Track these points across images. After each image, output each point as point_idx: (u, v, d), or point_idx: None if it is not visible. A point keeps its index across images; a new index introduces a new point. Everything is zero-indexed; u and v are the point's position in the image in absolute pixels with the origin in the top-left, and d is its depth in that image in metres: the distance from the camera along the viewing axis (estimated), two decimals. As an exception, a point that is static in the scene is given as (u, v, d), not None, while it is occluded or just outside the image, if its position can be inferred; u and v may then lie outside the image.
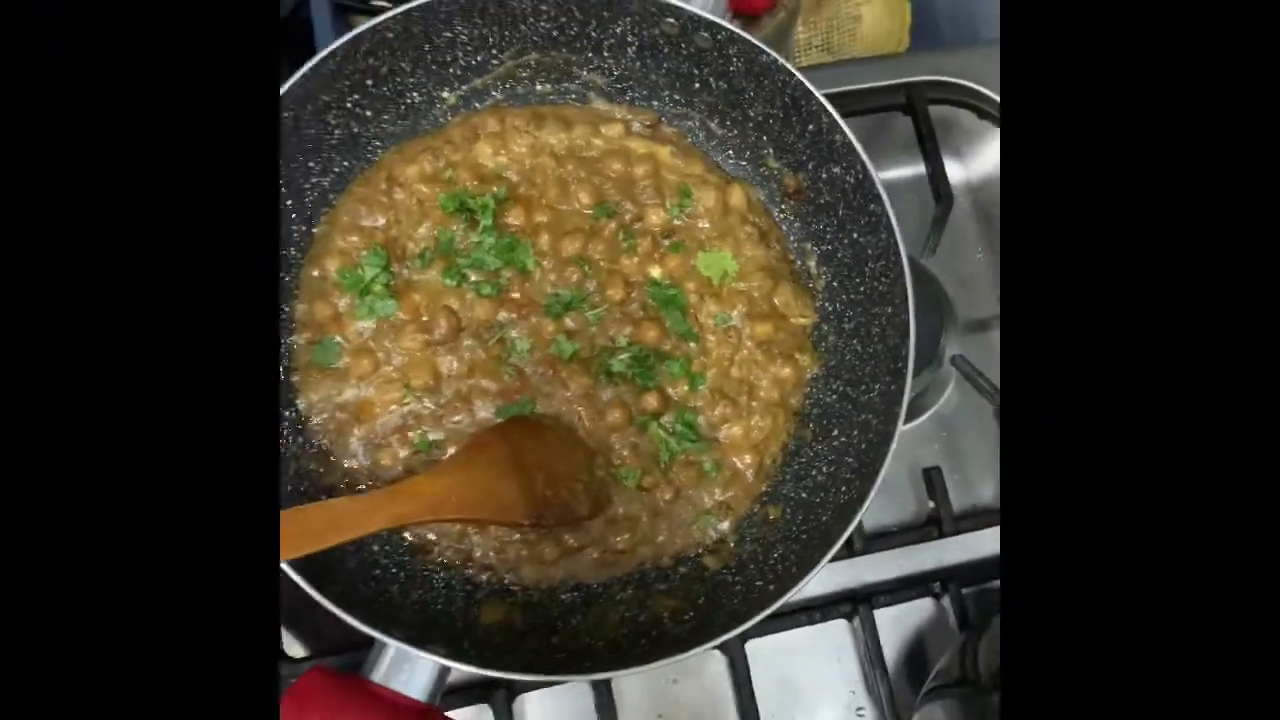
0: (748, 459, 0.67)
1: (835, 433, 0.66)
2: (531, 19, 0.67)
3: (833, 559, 0.70)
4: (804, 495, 0.65)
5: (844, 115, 0.63)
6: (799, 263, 0.71)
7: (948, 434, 0.78)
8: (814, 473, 0.66)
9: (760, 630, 0.69)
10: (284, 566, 0.53)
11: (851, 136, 0.62)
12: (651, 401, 0.66)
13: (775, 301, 0.69)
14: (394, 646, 0.54)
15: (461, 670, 0.54)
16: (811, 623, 0.70)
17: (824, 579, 0.72)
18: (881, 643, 0.70)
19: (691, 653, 0.55)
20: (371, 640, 0.55)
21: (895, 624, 0.72)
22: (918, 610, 0.73)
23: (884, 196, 0.62)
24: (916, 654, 0.73)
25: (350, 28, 0.63)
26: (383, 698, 0.53)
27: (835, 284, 0.69)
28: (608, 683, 0.67)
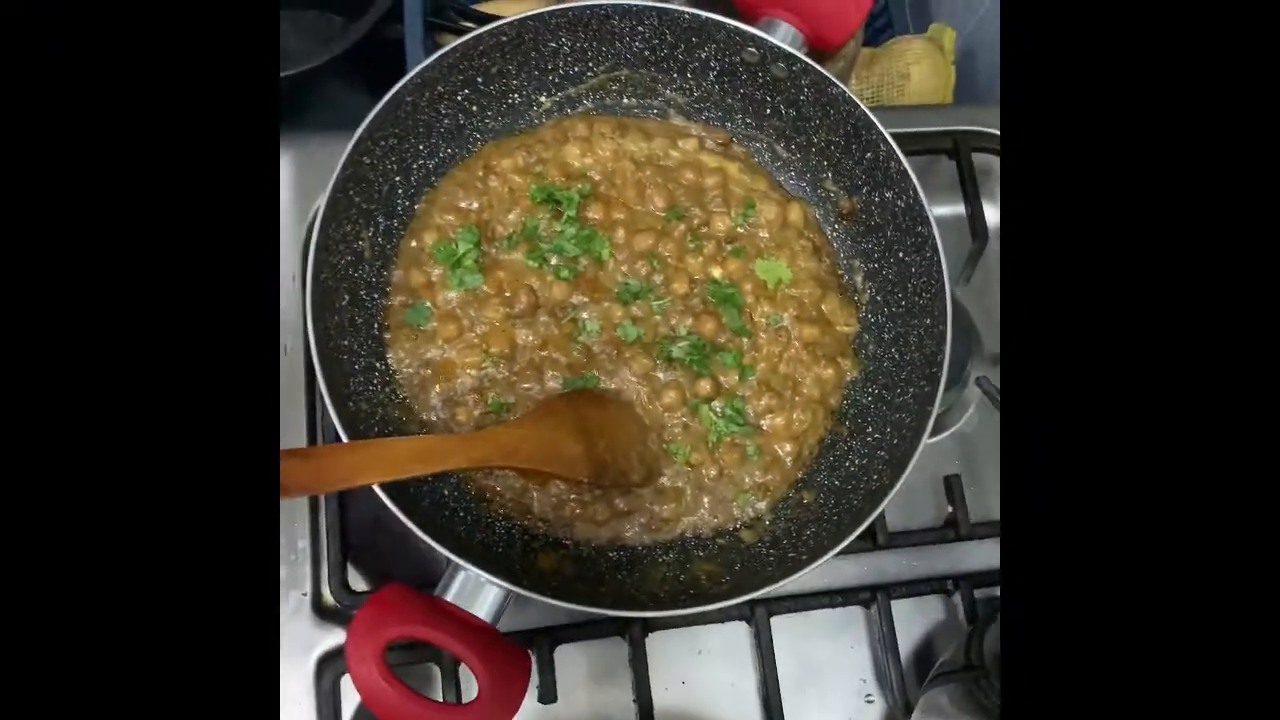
0: (788, 447, 0.73)
1: (870, 430, 0.73)
2: (627, 38, 0.75)
3: (856, 552, 0.77)
4: (837, 483, 0.72)
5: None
6: (846, 277, 0.78)
7: (968, 451, 0.85)
8: (847, 464, 0.72)
9: (786, 607, 0.75)
10: (376, 490, 0.59)
11: (906, 164, 0.70)
12: (705, 387, 0.73)
13: (823, 309, 0.76)
14: (464, 572, 0.61)
15: (525, 596, 0.60)
16: (833, 605, 0.76)
17: (847, 569, 0.78)
18: (896, 632, 0.75)
19: (728, 602, 0.62)
20: (422, 576, 0.61)
21: (909, 619, 0.78)
22: (931, 607, 0.79)
23: (932, 220, 0.69)
24: (925, 650, 0.78)
25: (437, 46, 0.70)
26: (453, 614, 0.60)
27: (879, 298, 0.76)
28: (643, 642, 0.72)
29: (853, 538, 0.63)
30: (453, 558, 0.59)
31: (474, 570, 0.60)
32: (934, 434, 0.84)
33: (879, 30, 1.31)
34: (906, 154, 0.73)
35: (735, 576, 0.68)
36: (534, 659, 0.71)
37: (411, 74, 0.68)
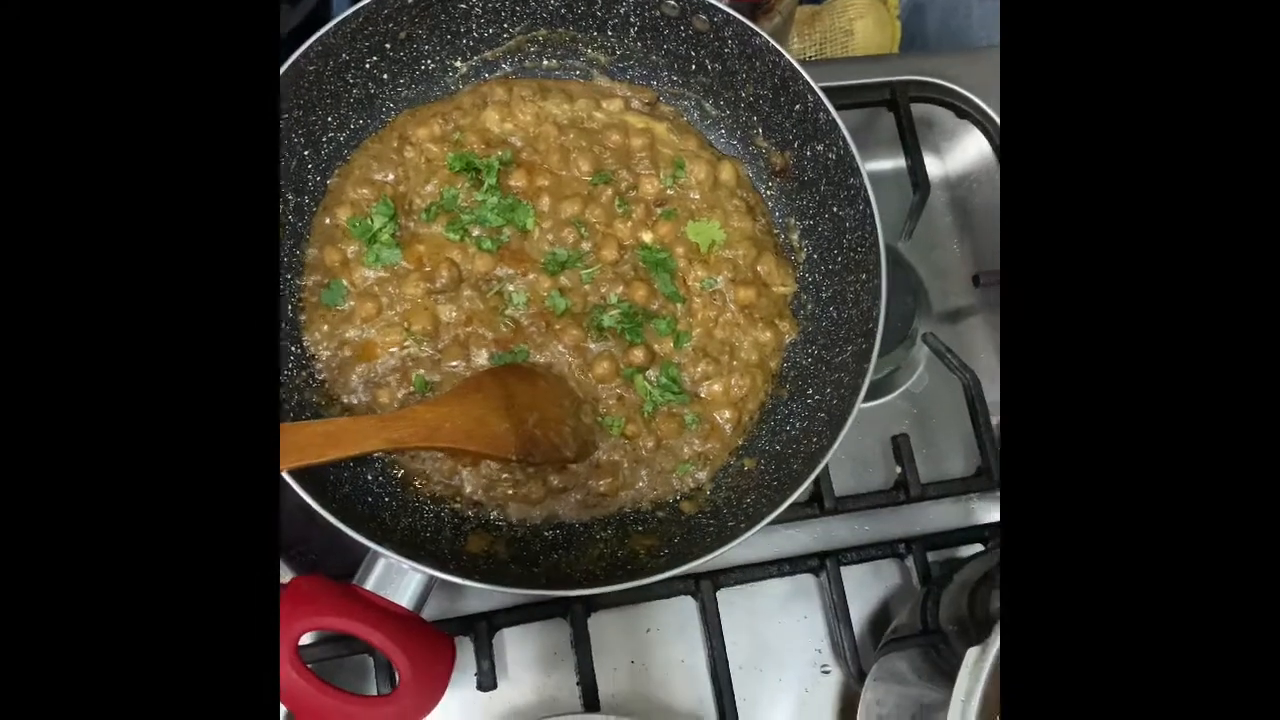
0: (727, 414, 0.71)
1: (810, 392, 0.70)
2: (542, -4, 0.72)
3: (804, 519, 0.74)
4: (778, 448, 0.69)
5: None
6: (782, 236, 0.76)
7: (918, 411, 0.82)
8: (788, 428, 0.70)
9: (733, 579, 0.73)
10: (285, 476, 0.56)
11: (835, 113, 0.67)
12: (638, 356, 0.70)
13: (759, 270, 0.73)
14: (384, 559, 0.58)
15: (449, 581, 0.57)
16: (781, 574, 0.74)
17: (798, 537, 0.75)
18: (848, 600, 0.73)
19: (664, 575, 0.59)
20: (356, 568, 0.59)
21: (861, 586, 0.76)
22: (885, 572, 0.76)
23: (863, 170, 0.67)
24: (880, 616, 0.76)
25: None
26: (372, 602, 0.57)
27: (815, 256, 0.74)
28: (584, 622, 0.70)
29: (790, 501, 0.61)
30: (370, 544, 0.57)
31: (394, 557, 0.57)
32: (883, 394, 0.82)
33: (823, -12, 1.28)
34: (843, 107, 0.70)
35: (674, 549, 0.65)
36: (472, 645, 0.68)
37: (310, 42, 0.65)
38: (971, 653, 0.53)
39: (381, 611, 0.56)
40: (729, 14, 0.69)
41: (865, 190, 0.66)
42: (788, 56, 0.68)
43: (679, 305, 0.72)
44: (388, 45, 0.70)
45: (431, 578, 0.58)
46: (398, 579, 0.58)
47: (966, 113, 0.85)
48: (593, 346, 0.70)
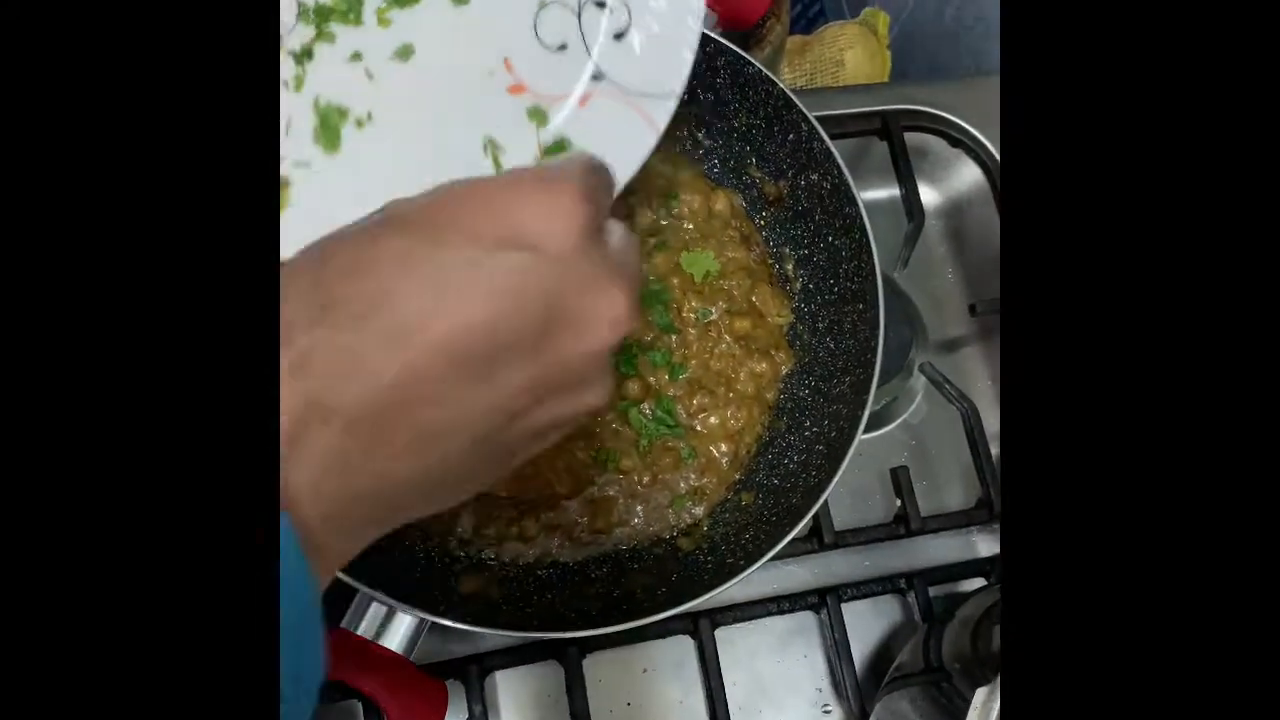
0: (724, 447, 0.70)
1: (807, 424, 0.69)
2: (533, 27, 0.71)
3: (803, 554, 0.73)
4: (776, 482, 0.68)
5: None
6: (777, 266, 0.75)
7: (916, 442, 0.81)
8: (786, 461, 0.68)
9: (731, 617, 0.71)
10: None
11: (829, 142, 0.67)
12: (633, 389, 0.69)
13: (754, 300, 0.72)
14: (375, 603, 0.56)
15: (441, 623, 0.55)
16: (780, 612, 0.72)
17: (794, 573, 0.74)
18: (849, 637, 0.71)
19: (662, 615, 0.57)
20: (347, 601, 0.57)
21: (862, 622, 0.74)
22: (886, 608, 0.75)
23: (858, 199, 0.66)
24: (882, 653, 0.74)
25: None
26: (362, 647, 0.55)
27: (811, 286, 0.73)
28: (579, 664, 0.68)
29: (790, 538, 0.60)
30: (359, 587, 0.55)
31: (385, 599, 0.55)
32: (881, 426, 0.81)
33: (812, 19, 1.28)
34: (835, 136, 0.70)
35: (672, 587, 0.63)
36: (463, 689, 0.66)
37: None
38: (980, 693, 0.51)
39: (371, 657, 0.55)
40: (722, 43, 0.68)
41: (861, 219, 0.65)
42: (781, 85, 0.67)
43: (674, 337, 0.71)
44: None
45: (423, 620, 0.57)
46: (388, 622, 0.56)
47: (959, 140, 0.85)
48: (586, 380, 0.69)
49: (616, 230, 0.39)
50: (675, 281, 0.72)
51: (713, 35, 0.68)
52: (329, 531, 0.33)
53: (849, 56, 1.13)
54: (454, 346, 0.32)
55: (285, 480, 0.31)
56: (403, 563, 0.63)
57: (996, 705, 0.50)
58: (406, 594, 0.57)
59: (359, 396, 0.32)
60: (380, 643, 0.56)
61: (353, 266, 0.33)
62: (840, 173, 0.66)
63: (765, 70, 0.68)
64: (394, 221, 0.35)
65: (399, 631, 0.56)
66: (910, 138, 0.83)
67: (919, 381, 0.82)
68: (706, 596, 0.58)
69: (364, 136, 0.56)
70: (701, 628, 0.69)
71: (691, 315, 0.71)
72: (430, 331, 0.32)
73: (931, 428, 0.82)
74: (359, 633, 0.56)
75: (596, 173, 0.38)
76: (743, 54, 0.68)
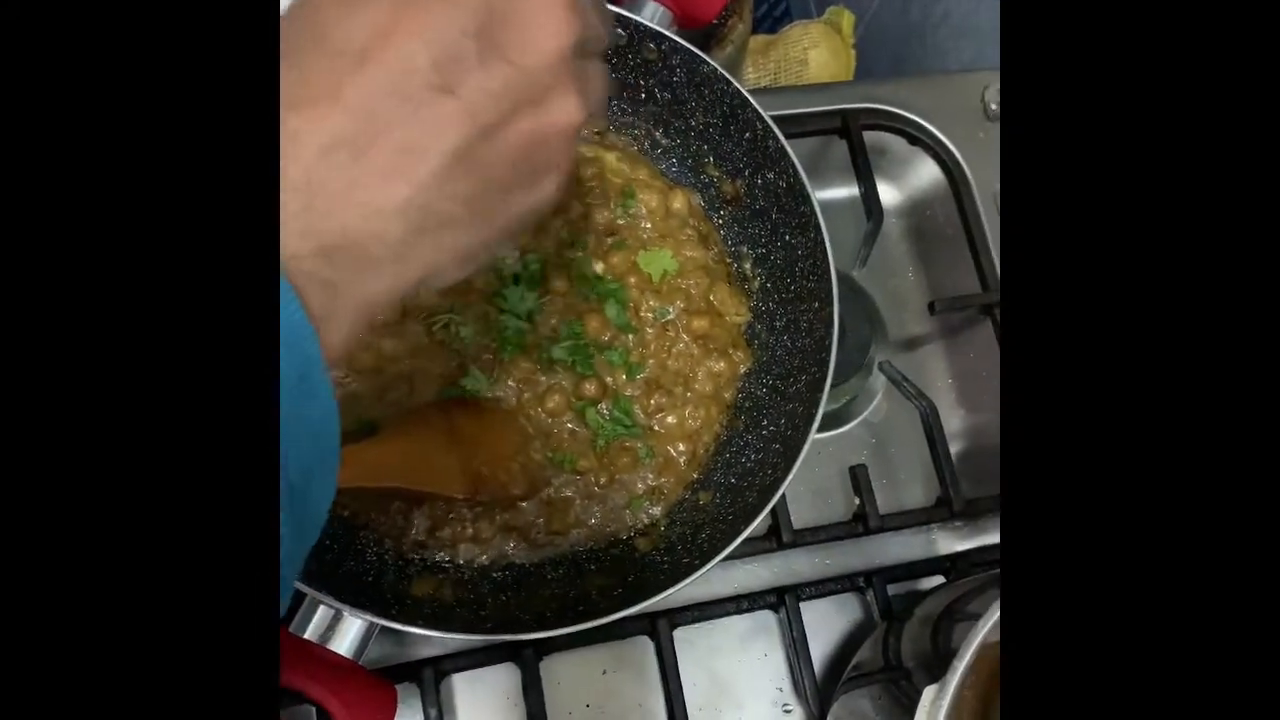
0: (681, 447, 0.69)
1: (765, 423, 0.69)
2: (488, 25, 0.70)
3: (762, 554, 0.73)
4: (733, 481, 0.68)
5: (784, 137, 0.66)
6: (735, 265, 0.75)
7: (876, 440, 0.81)
8: (744, 460, 0.68)
9: (689, 617, 0.71)
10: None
11: (784, 141, 0.66)
12: (590, 389, 0.68)
13: (712, 299, 0.72)
14: (323, 606, 0.56)
15: (392, 627, 0.55)
16: (740, 611, 0.72)
17: (754, 572, 0.74)
18: (808, 637, 0.71)
19: (617, 615, 0.57)
20: (295, 606, 0.56)
21: (822, 622, 0.74)
22: (843, 606, 0.75)
23: (813, 197, 0.66)
24: (841, 652, 0.74)
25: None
26: (310, 651, 0.54)
27: (769, 285, 0.73)
28: (536, 666, 0.67)
29: (745, 535, 0.59)
30: (308, 590, 0.54)
31: (334, 603, 0.55)
32: (840, 424, 0.81)
33: (778, 18, 1.28)
34: (794, 135, 0.70)
35: (628, 588, 0.63)
36: (419, 692, 0.66)
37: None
38: (928, 692, 0.51)
39: (319, 661, 0.54)
40: (676, 42, 0.68)
41: (816, 218, 0.65)
42: (736, 84, 0.67)
43: (631, 336, 0.70)
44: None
45: (373, 624, 0.56)
46: (337, 626, 0.56)
47: (918, 139, 0.85)
48: (543, 379, 0.68)
49: None
50: (633, 280, 0.71)
51: (667, 34, 0.68)
52: (325, 288, 0.34)
53: (813, 55, 1.13)
54: (409, 63, 0.34)
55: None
56: (352, 566, 0.63)
57: (945, 703, 0.50)
58: (356, 597, 0.57)
59: (335, 123, 0.33)
60: (329, 646, 0.55)
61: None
62: (795, 171, 0.66)
63: (720, 69, 0.67)
64: None
65: (348, 635, 0.56)
66: (870, 136, 0.83)
67: (879, 380, 0.82)
68: (662, 596, 0.58)
69: None
70: (660, 628, 0.69)
71: (649, 314, 0.71)
72: (386, 51, 0.34)
73: (891, 426, 0.82)
74: (306, 636, 0.55)
75: None
76: (698, 53, 0.68)
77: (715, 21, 0.82)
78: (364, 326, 0.37)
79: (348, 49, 0.34)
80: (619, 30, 0.69)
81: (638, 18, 0.68)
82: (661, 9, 0.70)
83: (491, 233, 0.39)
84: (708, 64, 0.68)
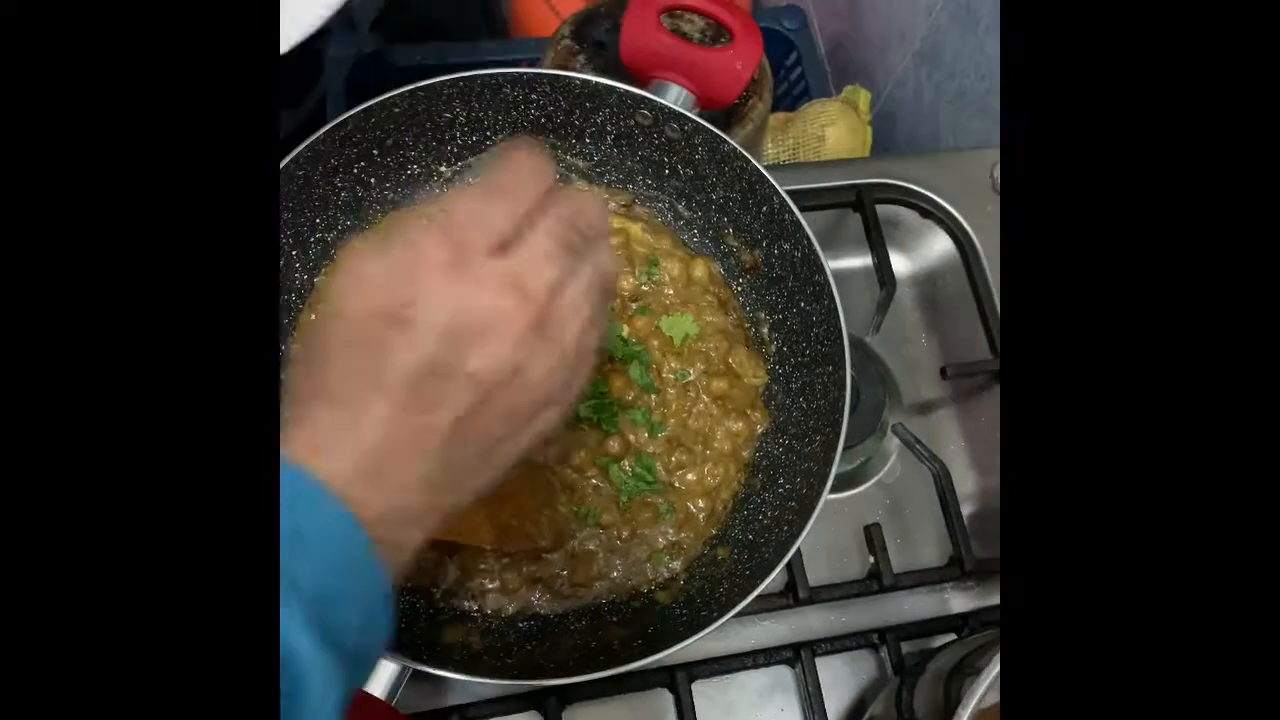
0: (701, 504, 0.72)
1: (781, 481, 0.72)
2: (522, 106, 0.75)
3: (779, 610, 0.75)
4: (750, 537, 0.70)
5: (800, 210, 0.71)
6: (753, 330, 0.78)
7: (890, 501, 0.84)
8: (761, 517, 0.71)
9: (707, 670, 0.73)
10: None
11: (799, 214, 0.71)
12: (613, 446, 0.72)
13: (730, 362, 0.76)
14: (359, 649, 0.59)
15: (422, 671, 0.58)
16: (756, 666, 0.74)
17: (771, 629, 0.76)
18: (824, 692, 0.73)
19: (637, 664, 0.60)
20: None
21: (837, 677, 0.76)
22: (858, 662, 0.77)
23: (826, 267, 0.70)
24: (856, 708, 0.76)
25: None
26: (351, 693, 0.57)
27: (785, 349, 0.76)
28: (559, 713, 0.70)
29: (761, 589, 0.62)
30: (344, 633, 0.57)
31: (368, 645, 0.58)
32: (855, 485, 0.84)
33: (797, 96, 1.34)
34: (810, 209, 0.74)
35: (647, 639, 0.66)
36: (446, 739, 0.68)
37: (300, 147, 0.68)
38: (938, 740, 0.53)
39: (357, 702, 0.56)
40: (698, 123, 0.73)
41: (829, 287, 0.69)
42: (754, 162, 0.72)
43: (654, 396, 0.74)
44: (375, 151, 0.74)
45: (405, 668, 0.59)
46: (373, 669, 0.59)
47: (929, 213, 0.89)
48: (569, 436, 0.72)
49: (533, 238, 0.46)
50: (655, 344, 0.75)
51: (690, 115, 0.73)
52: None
53: (830, 132, 1.18)
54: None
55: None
56: (388, 613, 0.65)
57: (953, 751, 0.52)
58: (390, 642, 0.60)
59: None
60: (364, 688, 0.58)
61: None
62: (810, 243, 0.70)
63: (739, 148, 0.72)
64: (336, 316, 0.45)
65: (382, 678, 0.58)
66: (884, 209, 0.88)
67: (893, 442, 0.85)
68: (681, 645, 0.60)
69: None
70: (679, 680, 0.71)
71: (671, 376, 0.75)
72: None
73: (905, 487, 0.84)
74: (343, 679, 0.58)
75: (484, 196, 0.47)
76: (719, 133, 0.72)
77: (736, 102, 0.87)
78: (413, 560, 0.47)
79: (350, 403, 0.43)
80: (644, 112, 0.74)
81: (663, 100, 0.73)
82: (685, 92, 0.75)
83: (508, 461, 0.49)
84: (728, 143, 0.73)
